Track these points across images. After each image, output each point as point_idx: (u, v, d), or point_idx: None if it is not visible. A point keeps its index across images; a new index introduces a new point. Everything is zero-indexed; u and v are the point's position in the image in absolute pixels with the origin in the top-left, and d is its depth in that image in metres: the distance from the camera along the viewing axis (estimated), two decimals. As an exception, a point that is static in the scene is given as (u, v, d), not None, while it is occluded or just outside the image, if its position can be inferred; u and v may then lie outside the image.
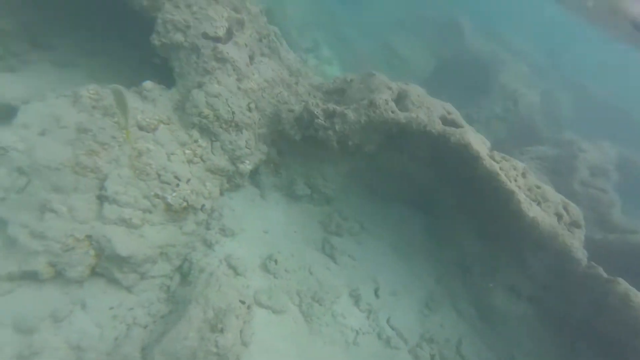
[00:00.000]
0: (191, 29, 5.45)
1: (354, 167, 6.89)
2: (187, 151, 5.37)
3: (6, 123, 5.28)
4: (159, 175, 5.02)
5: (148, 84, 5.51)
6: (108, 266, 4.79)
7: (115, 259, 4.67)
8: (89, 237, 4.66)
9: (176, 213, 5.11)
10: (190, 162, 5.36)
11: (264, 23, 6.48)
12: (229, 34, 5.77)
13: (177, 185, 5.06)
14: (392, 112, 5.77)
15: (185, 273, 5.44)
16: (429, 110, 5.70)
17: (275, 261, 6.05)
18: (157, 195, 4.99)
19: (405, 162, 6.71)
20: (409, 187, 7.21)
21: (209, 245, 5.75)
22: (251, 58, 6.13)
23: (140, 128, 5.24)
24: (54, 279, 4.61)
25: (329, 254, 6.63)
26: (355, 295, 6.25)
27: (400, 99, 6.04)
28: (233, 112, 5.59)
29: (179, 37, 5.43)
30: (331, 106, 5.88)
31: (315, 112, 5.86)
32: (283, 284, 5.97)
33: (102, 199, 4.81)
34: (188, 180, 5.19)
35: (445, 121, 5.70)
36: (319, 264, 6.45)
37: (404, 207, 7.52)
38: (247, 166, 5.90)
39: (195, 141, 5.48)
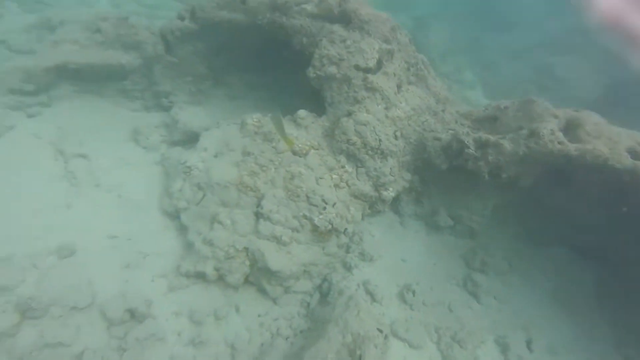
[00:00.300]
0: (344, 62, 5.74)
1: (505, 201, 6.20)
2: (334, 176, 5.59)
3: (192, 146, 6.34)
4: (308, 198, 5.32)
5: (302, 113, 5.97)
6: (259, 277, 5.23)
7: (266, 271, 5.07)
8: (246, 248, 5.18)
9: (321, 234, 5.32)
10: (336, 186, 5.56)
11: (413, 52, 6.46)
12: (379, 64, 5.90)
13: (324, 208, 5.28)
14: (560, 143, 5.02)
15: (324, 292, 5.59)
16: (611, 141, 4.78)
17: (413, 292, 5.76)
18: (305, 216, 5.28)
19: (571, 199, 5.75)
20: (574, 229, 6.13)
21: (348, 268, 5.81)
22: (399, 87, 6.13)
23: (294, 153, 5.68)
24: (217, 281, 5.24)
25: (471, 291, 6.02)
26: (502, 343, 5.50)
27: (570, 129, 5.23)
28: (380, 140, 5.63)
29: (332, 69, 5.77)
30: (484, 135, 5.44)
31: (466, 142, 5.49)
32: (420, 318, 5.63)
33: (258, 215, 5.32)
34: (334, 204, 5.37)
35: (636, 155, 4.68)
36: (459, 302, 5.91)
37: (566, 252, 6.42)
38: (390, 193, 5.84)
39: (342, 167, 5.68)
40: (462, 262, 6.39)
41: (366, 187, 5.75)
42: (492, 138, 5.40)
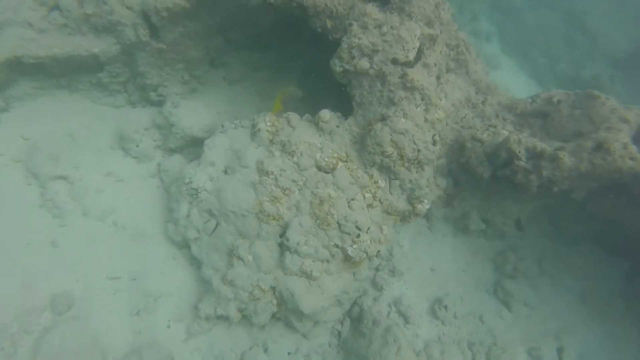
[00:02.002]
0: (379, 54, 4.40)
1: (543, 205, 5.44)
2: (367, 195, 4.60)
3: (194, 156, 5.11)
4: (340, 225, 4.37)
5: (325, 115, 4.74)
6: (287, 315, 4.49)
7: (297, 312, 4.31)
8: (272, 288, 4.34)
9: (354, 264, 4.50)
10: (369, 206, 4.61)
11: (455, 31, 5.08)
12: (419, 54, 4.58)
13: (358, 236, 4.37)
14: (632, 159, 4.13)
15: (354, 317, 4.95)
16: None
17: (445, 308, 5.21)
18: (336, 245, 4.39)
19: (619, 207, 5.03)
20: (612, 231, 5.52)
21: (378, 288, 5.12)
22: (438, 78, 4.89)
23: (319, 168, 4.58)
24: (240, 321, 4.47)
25: (502, 299, 5.53)
26: (535, 355, 5.15)
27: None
28: (419, 150, 4.56)
29: (364, 63, 4.44)
30: (540, 145, 4.45)
31: (518, 153, 4.51)
32: (453, 333, 5.15)
33: (283, 247, 4.39)
34: (368, 229, 4.47)
35: None
36: (490, 311, 5.43)
37: (597, 250, 5.88)
38: (425, 206, 4.92)
39: (375, 182, 4.66)
40: (491, 266, 5.79)
41: (400, 203, 4.81)
42: (548, 149, 4.43)
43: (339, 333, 4.82)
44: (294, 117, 4.87)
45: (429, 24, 4.59)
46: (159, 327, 4.24)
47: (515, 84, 9.79)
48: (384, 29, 4.35)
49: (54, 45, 4.45)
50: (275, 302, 4.36)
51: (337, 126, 4.80)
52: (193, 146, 5.18)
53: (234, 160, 4.67)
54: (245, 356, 4.35)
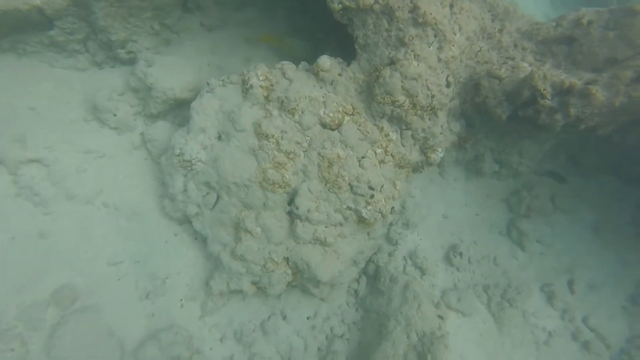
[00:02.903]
0: (385, -17, 3.68)
1: (563, 140, 5.12)
2: (378, 150, 4.19)
3: (180, 120, 4.56)
4: (352, 187, 4.03)
5: (325, 62, 4.12)
6: (304, 283, 4.34)
7: (314, 280, 4.15)
8: (286, 259, 4.13)
9: (368, 225, 4.25)
10: (381, 162, 4.22)
11: (469, -57, 4.25)
12: (430, -23, 3.85)
13: (372, 196, 4.06)
14: (674, 89, 3.72)
15: (371, 275, 4.85)
16: None
17: (460, 254, 5.13)
18: (349, 208, 4.10)
19: (645, 138, 4.72)
20: (633, 159, 5.29)
21: (393, 243, 4.96)
22: (451, 6, 4.20)
23: (324, 126, 4.10)
24: (255, 293, 4.33)
25: (515, 240, 5.46)
26: (547, 291, 5.22)
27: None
28: (432, 96, 4.06)
29: (367, -4, 3.73)
30: (568, 80, 3.97)
31: (543, 90, 4.04)
32: (468, 278, 5.15)
33: (292, 215, 4.09)
34: (381, 188, 4.14)
35: None
36: (504, 253, 5.38)
37: (615, 181, 5.71)
38: (439, 155, 4.55)
39: (386, 135, 4.22)
40: (504, 206, 5.63)
41: (413, 154, 4.43)
42: (578, 84, 3.96)
43: (356, 292, 4.75)
44: (289, 67, 4.24)
45: (442, -63, 3.78)
46: (172, 308, 4.08)
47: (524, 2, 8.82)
48: (390, -51, 3.57)
49: (-15, 0, 3.61)
50: (290, 272, 4.18)
51: (340, 74, 4.21)
52: (178, 109, 4.59)
53: (227, 123, 4.13)
54: (264, 325, 4.29)
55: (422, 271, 4.90)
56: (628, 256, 5.55)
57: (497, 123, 4.65)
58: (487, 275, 5.20)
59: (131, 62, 4.59)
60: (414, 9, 3.79)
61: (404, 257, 4.97)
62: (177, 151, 4.09)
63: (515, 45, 4.70)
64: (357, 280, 4.79)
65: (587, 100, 3.93)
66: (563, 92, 4.06)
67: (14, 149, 3.96)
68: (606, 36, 4.21)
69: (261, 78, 4.17)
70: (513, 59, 4.63)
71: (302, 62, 4.39)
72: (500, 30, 4.68)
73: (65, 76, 4.47)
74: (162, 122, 4.54)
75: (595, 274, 5.42)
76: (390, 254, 4.92)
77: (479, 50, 4.59)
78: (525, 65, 4.50)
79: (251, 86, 4.11)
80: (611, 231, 5.61)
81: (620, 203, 5.69)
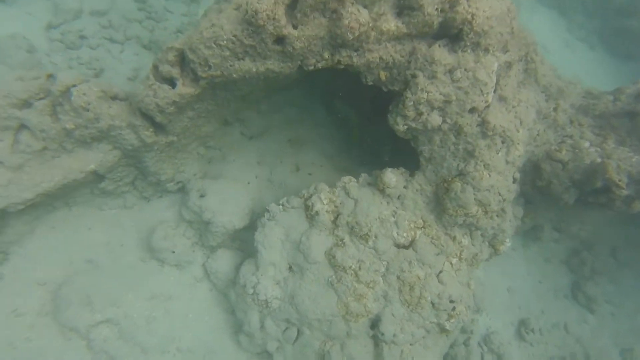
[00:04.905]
0: (452, 105, 3.54)
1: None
2: (453, 260, 4.11)
3: (244, 251, 4.43)
4: (433, 304, 3.96)
5: (391, 180, 4.00)
6: (392, 399, 4.28)
7: (406, 400, 4.09)
8: (376, 384, 4.06)
9: (450, 333, 4.19)
10: (457, 270, 4.14)
11: (523, 38, 4.10)
12: (495, 86, 3.71)
13: (453, 309, 3.99)
14: None
15: (450, 368, 4.82)
16: None
17: (532, 330, 5.10)
18: (432, 322, 4.03)
19: None
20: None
21: (467, 332, 4.90)
22: (507, 99, 4.07)
23: (398, 246, 4.00)
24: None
25: (583, 303, 5.44)
26: (628, 357, 5.21)
27: None
28: (504, 200, 3.97)
29: (435, 118, 3.59)
30: (644, 170, 3.90)
31: (618, 182, 3.96)
32: (542, 351, 5.13)
33: (377, 340, 4.01)
34: (461, 298, 4.07)
35: None
36: (573, 318, 5.37)
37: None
38: (507, 245, 4.50)
39: (459, 243, 4.14)
40: (564, 267, 5.60)
41: (484, 252, 4.36)
42: (655, 173, 3.89)
43: (438, 390, 4.70)
44: (352, 185, 4.11)
45: (504, 48, 3.64)
46: None
47: (533, 20, 8.70)
48: (457, 74, 3.43)
49: (40, 179, 3.44)
50: (379, 395, 4.12)
51: (405, 187, 4.10)
52: (236, 238, 4.45)
53: (297, 255, 4.01)
54: None
55: (500, 356, 4.86)
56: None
57: (563, 206, 4.57)
58: (561, 346, 5.18)
59: (178, 191, 4.44)
60: (483, 123, 3.68)
61: (479, 343, 4.92)
62: (250, 290, 3.97)
63: (572, 122, 4.61)
64: (438, 378, 4.74)
65: (665, 188, 3.87)
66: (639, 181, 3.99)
67: (83, 314, 3.82)
68: (671, 112, 4.13)
69: (325, 202, 4.05)
70: (571, 136, 4.54)
71: (363, 176, 4.26)
72: (555, 109, 4.57)
73: (115, 217, 4.31)
74: (222, 250, 4.40)
75: (667, 327, 5.42)
76: (465, 344, 4.86)
77: (537, 134, 4.49)
78: (587, 144, 4.41)
79: (317, 213, 3.98)
80: (673, 279, 5.61)
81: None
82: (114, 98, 3.58)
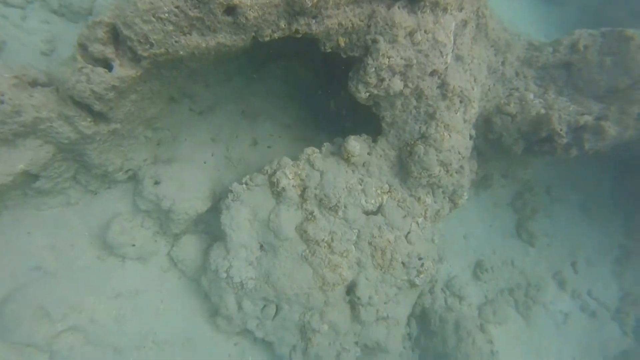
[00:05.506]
0: (413, 69, 3.47)
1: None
2: (419, 220, 4.27)
3: (210, 234, 4.24)
4: (404, 264, 4.16)
5: (355, 148, 3.95)
6: (370, 352, 4.57)
7: (384, 351, 4.39)
8: (356, 343, 4.27)
9: (419, 287, 4.47)
10: (423, 229, 4.33)
11: (476, -8, 4.00)
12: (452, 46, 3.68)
13: (422, 265, 4.24)
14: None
15: (418, 315, 5.20)
16: None
17: (486, 270, 5.63)
18: (403, 280, 4.26)
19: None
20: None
21: (433, 281, 5.28)
22: (462, 58, 4.08)
23: (367, 213, 4.06)
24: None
25: (525, 239, 6.05)
26: (558, 278, 5.99)
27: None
28: (463, 157, 4.13)
29: (396, 83, 3.52)
30: (582, 119, 4.22)
31: (560, 131, 4.27)
32: (494, 287, 5.72)
33: (354, 304, 4.17)
34: (428, 254, 4.31)
35: None
36: (518, 254, 5.99)
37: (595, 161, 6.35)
38: (465, 199, 4.75)
39: (424, 202, 4.29)
40: (510, 210, 6.13)
41: (445, 208, 4.58)
42: (590, 121, 4.24)
43: (409, 335, 5.11)
44: (316, 157, 4.00)
45: (460, 5, 3.57)
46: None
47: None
48: (417, 36, 3.33)
49: (-42, 188, 2.92)
50: (359, 349, 4.37)
51: (369, 153, 4.08)
52: (199, 221, 4.23)
53: (266, 233, 3.93)
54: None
55: (460, 298, 5.34)
56: (609, 225, 6.43)
57: (509, 154, 4.88)
58: (509, 279, 5.80)
59: (129, 179, 4.05)
60: (442, 85, 3.69)
61: (442, 289, 5.35)
62: (224, 275, 3.87)
63: (517, 74, 4.79)
64: (408, 324, 5.13)
65: (600, 135, 4.25)
66: (578, 129, 4.33)
67: (39, 327, 3.50)
68: (603, 62, 4.43)
69: (291, 177, 3.93)
70: (517, 89, 4.74)
71: (325, 145, 4.15)
72: (503, 63, 4.70)
73: (58, 217, 3.86)
74: (187, 236, 4.18)
75: (589, 249, 6.26)
76: (430, 291, 5.25)
77: (488, 89, 4.63)
78: (531, 96, 4.65)
79: (284, 189, 3.87)
80: (595, 209, 6.40)
81: (600, 180, 6.43)
82: (34, 84, 3.05)
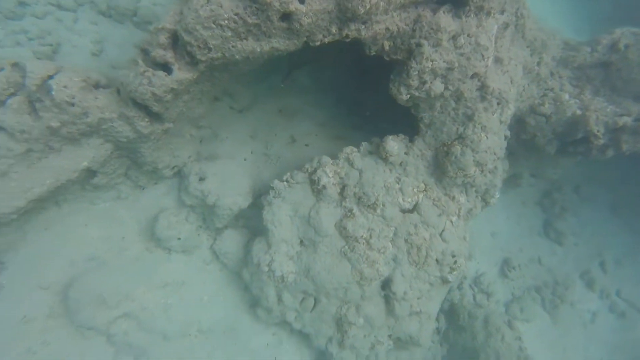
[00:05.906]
0: (454, 72, 3.55)
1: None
2: (453, 219, 4.37)
3: (251, 230, 4.41)
4: (438, 261, 4.27)
5: (393, 148, 4.06)
6: (402, 344, 4.70)
7: (416, 345, 4.52)
8: (389, 336, 4.42)
9: (450, 283, 4.58)
10: (457, 227, 4.43)
11: (516, -6, 4.04)
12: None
13: (455, 262, 4.33)
14: None
15: (446, 310, 5.31)
16: None
17: (513, 267, 5.69)
18: (436, 277, 4.37)
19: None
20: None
21: (461, 277, 5.37)
22: (502, 60, 4.13)
23: (403, 211, 4.17)
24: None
25: (553, 238, 6.08)
26: (586, 277, 6.01)
27: None
28: (497, 158, 4.19)
29: (438, 86, 3.60)
30: (621, 120, 4.23)
31: (597, 132, 4.29)
32: (522, 285, 5.78)
33: (389, 299, 4.30)
34: (460, 251, 4.40)
35: None
36: (545, 252, 6.02)
37: (622, 166, 6.31)
38: (496, 198, 4.82)
39: (457, 201, 4.37)
40: (538, 208, 6.15)
41: (477, 206, 4.66)
42: (630, 122, 4.24)
43: (437, 329, 5.23)
44: (354, 156, 4.13)
45: (502, 8, 3.61)
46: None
47: None
48: (460, 40, 3.40)
49: (30, 184, 3.15)
50: (391, 342, 4.51)
51: (406, 153, 4.18)
52: (240, 216, 4.41)
53: (307, 229, 4.08)
54: (374, 390, 4.70)
55: (488, 295, 5.43)
56: (639, 225, 6.39)
57: (544, 156, 4.90)
58: (535, 277, 5.84)
59: (174, 175, 4.25)
60: (482, 87, 3.75)
61: (470, 285, 5.43)
62: (265, 268, 4.04)
63: (552, 74, 4.80)
64: (437, 319, 5.24)
65: (639, 136, 4.25)
66: (615, 130, 4.33)
67: (99, 313, 3.74)
68: (644, 61, 4.41)
69: (331, 175, 4.07)
70: (552, 89, 4.75)
71: (363, 144, 4.27)
72: (539, 63, 4.71)
73: (110, 210, 4.09)
74: (229, 231, 4.37)
75: (618, 249, 6.24)
76: (459, 287, 5.35)
77: (523, 90, 4.66)
78: (566, 97, 4.66)
79: (324, 187, 4.01)
80: (624, 208, 6.36)
81: (630, 179, 6.38)
82: (97, 86, 3.24)
